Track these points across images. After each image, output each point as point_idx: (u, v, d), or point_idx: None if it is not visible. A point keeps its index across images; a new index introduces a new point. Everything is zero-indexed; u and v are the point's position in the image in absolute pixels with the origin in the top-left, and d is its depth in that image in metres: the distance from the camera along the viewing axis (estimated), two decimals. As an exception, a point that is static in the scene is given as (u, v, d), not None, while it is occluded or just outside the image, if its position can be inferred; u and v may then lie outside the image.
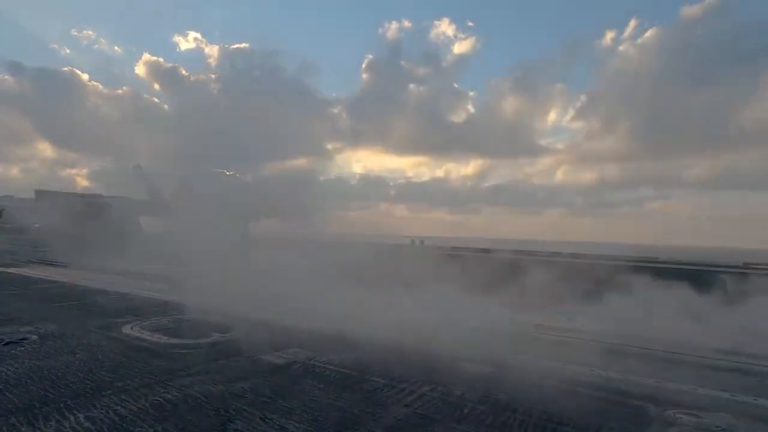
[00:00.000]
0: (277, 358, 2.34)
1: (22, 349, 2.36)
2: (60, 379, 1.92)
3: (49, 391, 1.77)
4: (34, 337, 2.60)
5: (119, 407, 1.63)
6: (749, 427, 1.68)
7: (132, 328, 2.90)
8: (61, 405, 1.64)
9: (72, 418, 1.54)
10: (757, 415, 1.81)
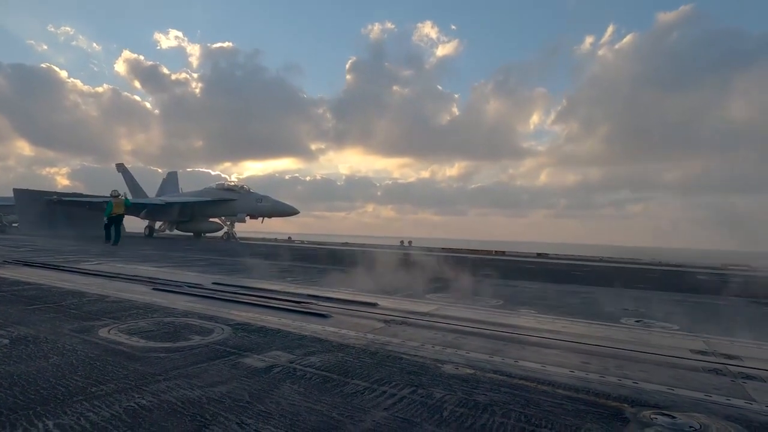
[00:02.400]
0: (258, 361, 2.31)
1: (-8, 353, 2.28)
2: (30, 384, 1.86)
3: (18, 398, 1.71)
4: (6, 341, 2.52)
5: (91, 413, 1.59)
6: (722, 427, 1.71)
7: (109, 331, 2.84)
8: (30, 412, 1.59)
9: (41, 425, 1.49)
10: (730, 415, 1.84)
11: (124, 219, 15.79)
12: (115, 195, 15.73)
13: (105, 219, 15.27)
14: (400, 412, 1.72)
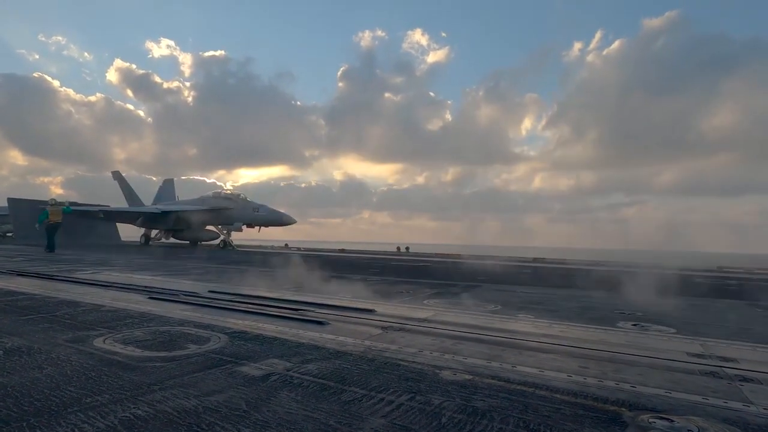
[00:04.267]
0: (255, 369, 2.30)
1: (-15, 365, 2.25)
2: (24, 396, 1.84)
3: (12, 410, 1.69)
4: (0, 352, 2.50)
5: (86, 425, 1.57)
6: (719, 430, 1.72)
7: (104, 341, 2.81)
8: (24, 424, 1.57)
9: (34, 437, 1.47)
10: (728, 417, 1.85)
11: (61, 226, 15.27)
12: (52, 203, 15.55)
13: (37, 226, 14.97)
14: (398, 419, 1.72)
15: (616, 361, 2.70)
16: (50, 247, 14.32)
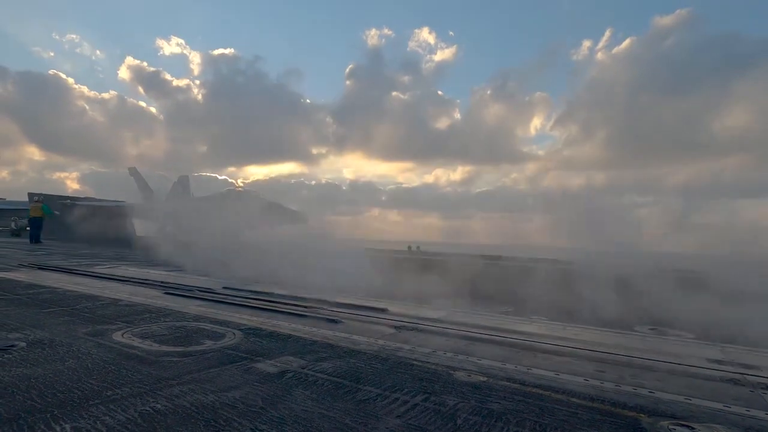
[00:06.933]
0: (270, 366, 2.32)
1: (10, 356, 2.32)
2: (47, 387, 1.89)
3: (36, 401, 1.74)
4: (23, 344, 2.56)
5: (107, 417, 1.61)
6: (742, 438, 1.68)
7: (123, 335, 2.87)
8: (48, 415, 1.61)
9: (58, 428, 1.51)
10: (750, 426, 1.80)
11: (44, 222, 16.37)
12: (34, 200, 16.83)
13: (26, 221, 16.62)
14: (413, 419, 1.72)
15: (633, 366, 2.65)
16: (30, 239, 15.60)
